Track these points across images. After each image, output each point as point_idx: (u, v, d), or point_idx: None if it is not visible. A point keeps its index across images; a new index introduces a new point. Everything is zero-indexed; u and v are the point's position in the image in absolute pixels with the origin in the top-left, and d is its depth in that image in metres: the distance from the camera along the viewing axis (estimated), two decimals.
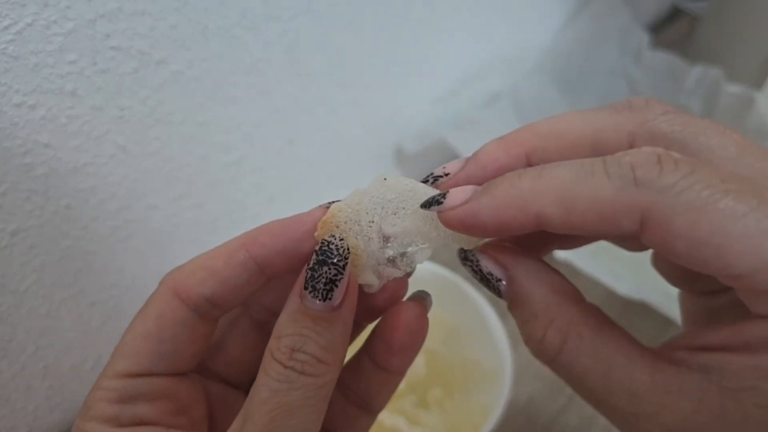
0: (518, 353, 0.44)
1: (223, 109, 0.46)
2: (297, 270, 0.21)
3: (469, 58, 0.69)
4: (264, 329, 0.25)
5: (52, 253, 0.41)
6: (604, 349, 0.18)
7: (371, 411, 0.25)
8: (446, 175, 0.21)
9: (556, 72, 0.76)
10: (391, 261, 0.22)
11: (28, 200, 0.38)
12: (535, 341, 0.19)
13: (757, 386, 0.16)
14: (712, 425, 0.16)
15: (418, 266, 0.22)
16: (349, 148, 0.61)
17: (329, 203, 0.22)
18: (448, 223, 0.19)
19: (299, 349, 0.19)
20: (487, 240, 0.21)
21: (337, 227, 0.21)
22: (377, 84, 0.59)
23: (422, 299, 0.24)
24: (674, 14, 0.99)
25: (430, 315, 0.23)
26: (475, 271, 0.20)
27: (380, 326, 0.23)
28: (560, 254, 0.55)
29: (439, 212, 0.19)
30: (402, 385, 0.32)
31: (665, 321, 0.52)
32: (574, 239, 0.24)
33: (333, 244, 0.20)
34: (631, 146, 0.19)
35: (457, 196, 0.19)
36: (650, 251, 0.21)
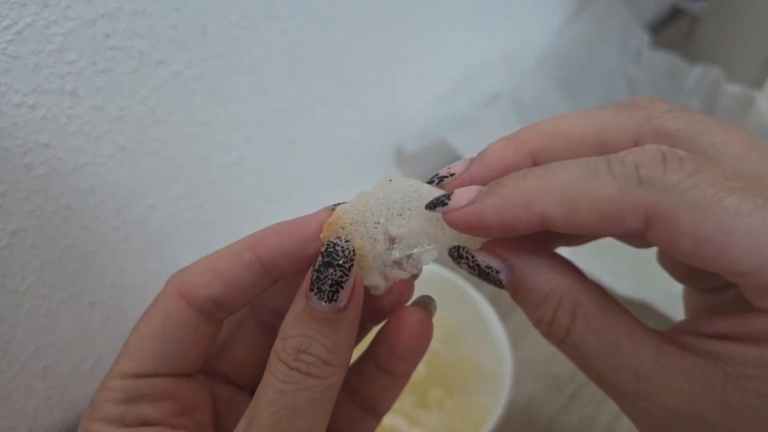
0: (518, 353, 0.44)
1: (222, 109, 0.46)
2: (303, 272, 0.21)
3: (469, 58, 0.69)
4: (270, 331, 0.25)
5: (52, 253, 0.41)
6: (610, 329, 0.18)
7: (376, 413, 0.25)
8: (451, 175, 0.21)
9: (557, 72, 0.76)
10: (397, 263, 0.22)
11: (27, 200, 0.38)
12: (545, 323, 0.19)
13: (760, 375, 0.16)
14: (713, 410, 0.16)
15: None
16: (349, 148, 0.61)
17: (335, 205, 0.22)
18: (452, 224, 0.19)
19: (305, 350, 0.19)
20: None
21: (343, 229, 0.21)
22: (377, 84, 0.59)
23: (426, 304, 0.24)
24: (674, 14, 0.99)
25: None
26: (471, 267, 0.20)
27: (384, 330, 0.23)
28: (560, 253, 0.55)
29: (443, 213, 0.19)
30: None
31: (665, 321, 0.52)
32: (579, 237, 0.24)
33: (338, 245, 0.20)
34: (635, 144, 0.19)
35: (461, 196, 0.19)
36: (653, 250, 0.21)
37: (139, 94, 0.40)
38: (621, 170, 0.16)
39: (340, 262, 0.20)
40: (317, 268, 0.20)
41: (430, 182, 0.22)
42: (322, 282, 0.19)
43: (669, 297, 0.52)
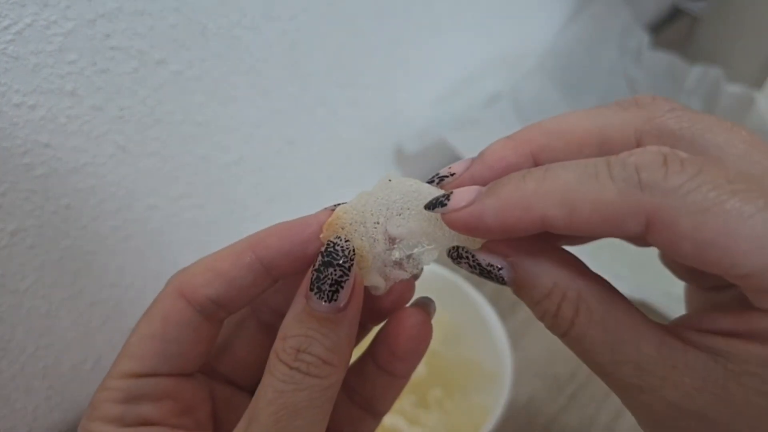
0: (518, 353, 0.44)
1: (222, 109, 0.46)
2: (303, 272, 0.21)
3: (469, 58, 0.69)
4: (270, 331, 0.25)
5: (52, 252, 0.41)
6: (613, 321, 0.18)
7: (376, 414, 0.25)
8: (452, 175, 0.21)
9: (557, 72, 0.76)
10: (398, 263, 0.22)
11: (27, 200, 0.38)
12: (550, 316, 0.19)
13: (761, 374, 0.16)
14: (713, 405, 0.16)
15: None
16: (349, 148, 0.61)
17: (335, 205, 0.22)
18: (451, 225, 0.19)
19: (305, 350, 0.19)
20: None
21: (343, 229, 0.21)
22: (377, 84, 0.59)
23: (426, 305, 0.24)
24: (674, 14, 0.99)
25: None
26: (472, 267, 0.20)
27: (384, 332, 0.23)
28: None
29: (442, 214, 0.19)
30: None
31: (665, 321, 0.52)
32: (579, 237, 0.24)
33: (338, 245, 0.20)
34: (638, 144, 0.19)
35: (461, 197, 0.19)
36: (654, 249, 0.21)
37: (139, 94, 0.40)
38: (621, 173, 0.16)
39: (340, 261, 0.20)
40: (317, 267, 0.20)
41: (431, 182, 0.22)
42: (322, 282, 0.19)
43: (669, 297, 0.52)
